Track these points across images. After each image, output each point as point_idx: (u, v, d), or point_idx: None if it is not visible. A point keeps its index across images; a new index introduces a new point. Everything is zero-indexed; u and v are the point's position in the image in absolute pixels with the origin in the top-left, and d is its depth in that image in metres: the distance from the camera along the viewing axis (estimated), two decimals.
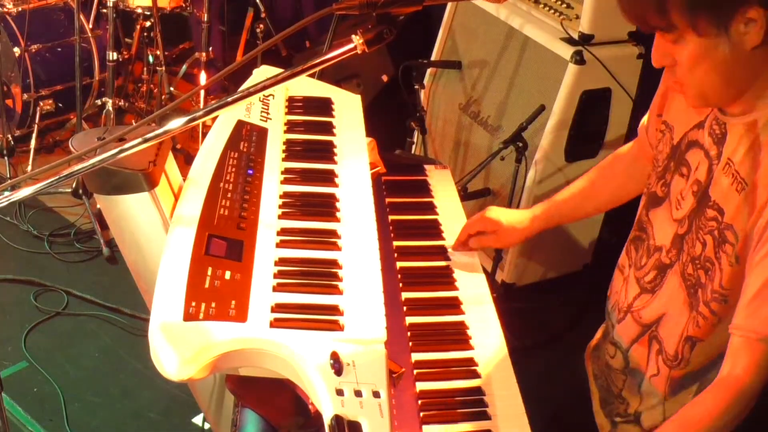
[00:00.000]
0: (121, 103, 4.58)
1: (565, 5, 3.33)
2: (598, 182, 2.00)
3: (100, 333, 3.44)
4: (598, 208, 2.08)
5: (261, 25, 4.76)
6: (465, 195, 3.25)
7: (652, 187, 1.75)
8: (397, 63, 3.83)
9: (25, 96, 4.31)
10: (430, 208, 2.20)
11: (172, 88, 4.67)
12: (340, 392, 1.31)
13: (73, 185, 3.89)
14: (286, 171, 1.87)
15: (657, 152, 1.75)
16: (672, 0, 1.38)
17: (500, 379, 1.70)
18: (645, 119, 1.87)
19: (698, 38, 1.40)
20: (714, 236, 1.53)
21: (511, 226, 2.03)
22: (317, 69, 1.40)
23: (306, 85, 2.23)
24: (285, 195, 1.79)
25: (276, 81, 1.40)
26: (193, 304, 1.38)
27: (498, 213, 2.05)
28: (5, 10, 4.24)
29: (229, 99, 1.39)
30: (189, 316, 1.36)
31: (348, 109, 2.16)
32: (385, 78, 4.07)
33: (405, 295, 1.89)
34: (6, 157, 4.18)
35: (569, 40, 3.29)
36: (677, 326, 1.65)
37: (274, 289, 1.50)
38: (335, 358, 1.36)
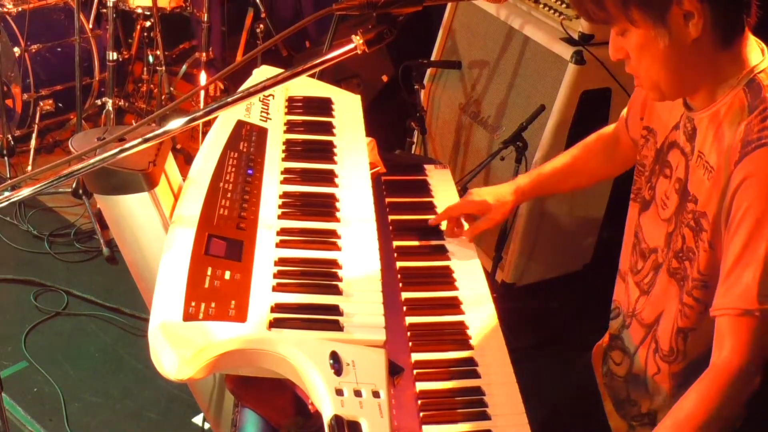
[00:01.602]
0: (121, 103, 4.58)
1: (565, 5, 3.33)
2: (581, 160, 2.05)
3: (100, 333, 3.44)
4: (577, 184, 2.12)
5: (261, 25, 4.76)
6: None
7: (642, 191, 1.78)
8: (397, 63, 3.82)
9: (25, 96, 4.31)
10: (430, 208, 2.20)
11: (172, 88, 4.67)
12: (339, 392, 1.31)
13: (73, 185, 3.90)
14: (286, 171, 1.87)
15: (642, 157, 1.78)
16: None
17: (500, 379, 1.70)
18: (625, 112, 1.91)
19: (639, 30, 1.43)
20: (691, 227, 1.56)
21: (498, 203, 2.07)
22: (317, 69, 1.41)
23: (306, 85, 2.23)
24: (285, 195, 1.79)
25: (276, 81, 1.40)
26: (193, 304, 1.38)
27: (483, 193, 2.08)
28: (5, 10, 4.24)
29: (229, 99, 1.39)
30: (189, 316, 1.36)
31: (348, 109, 2.17)
32: (385, 78, 4.07)
33: (405, 295, 1.89)
34: (6, 157, 4.18)
35: (569, 40, 3.28)
36: (669, 321, 1.66)
37: (274, 289, 1.50)
38: (335, 358, 1.36)
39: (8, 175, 4.19)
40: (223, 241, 1.54)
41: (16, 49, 4.26)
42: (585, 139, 2.07)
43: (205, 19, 4.50)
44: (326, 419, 1.28)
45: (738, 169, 1.42)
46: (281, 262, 1.58)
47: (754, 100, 1.45)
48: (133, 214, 1.59)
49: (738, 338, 1.40)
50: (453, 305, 1.89)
